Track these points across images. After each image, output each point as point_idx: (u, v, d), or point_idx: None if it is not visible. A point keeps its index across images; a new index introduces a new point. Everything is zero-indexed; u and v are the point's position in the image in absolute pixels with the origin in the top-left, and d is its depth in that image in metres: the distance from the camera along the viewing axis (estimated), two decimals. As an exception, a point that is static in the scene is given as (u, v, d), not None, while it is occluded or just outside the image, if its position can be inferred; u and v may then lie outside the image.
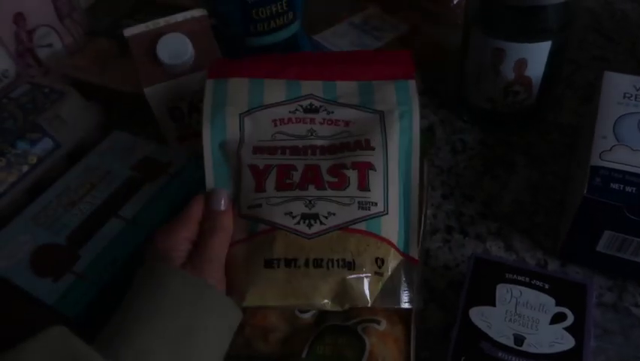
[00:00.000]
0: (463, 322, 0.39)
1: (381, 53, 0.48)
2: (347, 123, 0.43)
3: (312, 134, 0.42)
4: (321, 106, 0.43)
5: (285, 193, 0.39)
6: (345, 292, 0.37)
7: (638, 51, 0.66)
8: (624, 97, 0.46)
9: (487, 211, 0.52)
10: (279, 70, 0.45)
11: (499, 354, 0.37)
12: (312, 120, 0.43)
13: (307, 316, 0.40)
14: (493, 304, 0.39)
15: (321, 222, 0.38)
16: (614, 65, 0.64)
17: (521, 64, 0.51)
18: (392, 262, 0.39)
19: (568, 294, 0.40)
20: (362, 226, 0.38)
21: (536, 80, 0.53)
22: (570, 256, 0.47)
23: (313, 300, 0.37)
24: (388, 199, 0.40)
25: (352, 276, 0.37)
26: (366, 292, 0.37)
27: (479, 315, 0.39)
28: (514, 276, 0.41)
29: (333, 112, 0.43)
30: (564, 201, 0.51)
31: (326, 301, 0.37)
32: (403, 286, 0.39)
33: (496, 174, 0.55)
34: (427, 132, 0.59)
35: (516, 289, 0.40)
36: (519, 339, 0.37)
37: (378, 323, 0.39)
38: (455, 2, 0.64)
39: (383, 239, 0.39)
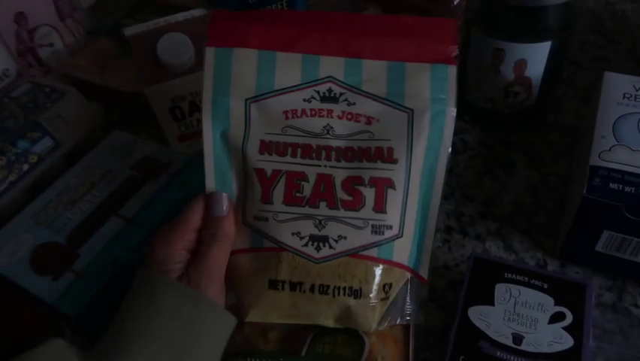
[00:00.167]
0: (461, 321, 0.39)
1: (420, 19, 0.38)
2: (369, 120, 0.37)
3: (327, 132, 0.37)
4: (341, 94, 0.37)
5: (294, 209, 0.36)
6: (349, 317, 0.36)
7: (638, 51, 0.66)
8: (624, 97, 0.46)
9: (487, 211, 0.52)
10: (295, 37, 0.37)
11: (498, 353, 0.37)
12: (330, 113, 0.37)
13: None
14: (492, 304, 0.39)
15: (331, 246, 0.36)
16: (614, 65, 0.64)
17: (521, 64, 0.51)
18: (400, 282, 0.38)
19: (567, 294, 0.40)
20: (373, 253, 0.36)
21: (536, 81, 0.53)
22: (570, 256, 0.47)
23: (316, 321, 0.37)
24: (405, 221, 0.37)
25: (358, 303, 0.36)
26: (371, 318, 0.37)
27: (478, 315, 0.39)
28: (513, 276, 0.41)
29: (354, 103, 0.37)
30: (564, 202, 0.51)
31: (329, 321, 0.37)
32: (408, 304, 0.38)
33: (497, 175, 0.55)
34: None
35: (515, 288, 0.40)
36: (518, 338, 0.37)
37: (378, 322, 0.38)
38: (455, 3, 0.64)
39: (394, 263, 0.37)
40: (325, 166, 0.36)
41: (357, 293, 0.36)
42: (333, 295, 0.36)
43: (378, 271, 0.36)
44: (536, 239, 0.49)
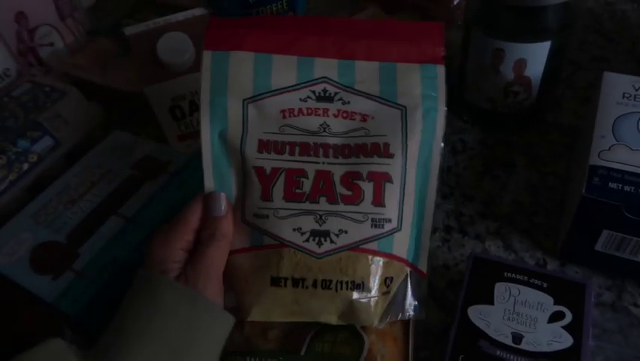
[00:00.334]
0: (461, 321, 0.39)
1: (409, 24, 0.40)
2: (364, 118, 0.38)
3: (324, 130, 0.38)
4: (336, 93, 0.38)
5: (294, 205, 0.36)
6: (352, 312, 0.37)
7: (638, 51, 0.66)
8: (623, 97, 0.46)
9: (486, 211, 0.52)
10: (291, 41, 0.38)
11: (498, 353, 0.37)
12: (326, 112, 0.38)
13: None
14: (492, 303, 0.39)
15: (332, 241, 0.36)
16: (613, 65, 0.64)
17: (521, 64, 0.51)
18: (400, 276, 0.38)
19: (566, 293, 0.40)
20: (374, 246, 0.36)
21: (536, 81, 0.53)
22: (569, 255, 0.47)
23: (319, 318, 0.37)
24: (403, 214, 0.37)
25: (361, 297, 0.36)
26: (373, 313, 0.37)
27: (478, 314, 0.39)
28: (513, 275, 0.41)
29: (349, 102, 0.38)
30: (563, 201, 0.51)
31: (332, 317, 0.37)
32: (409, 299, 0.38)
33: (496, 174, 0.55)
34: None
35: (514, 287, 0.40)
36: (517, 338, 0.37)
37: (377, 321, 0.38)
38: (455, 3, 0.64)
39: (394, 257, 0.37)
40: (323, 163, 0.37)
41: (359, 287, 0.36)
42: (336, 290, 0.36)
43: (379, 264, 0.37)
44: (536, 239, 0.49)
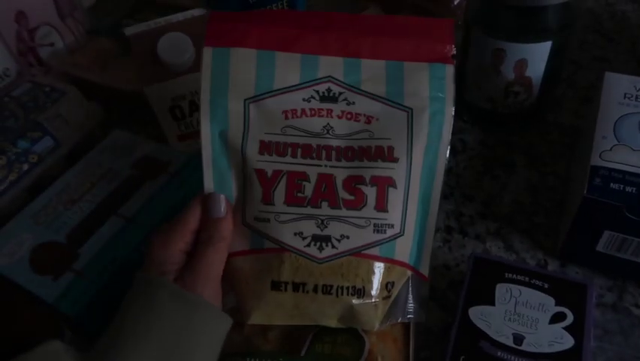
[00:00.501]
0: (462, 321, 0.39)
1: (417, 20, 0.39)
2: (369, 119, 0.37)
3: (327, 132, 0.37)
4: (340, 93, 0.37)
5: (296, 209, 0.36)
6: (352, 316, 0.36)
7: (639, 52, 0.66)
8: (624, 97, 0.46)
9: (487, 211, 0.52)
10: (294, 37, 0.37)
11: (499, 353, 0.37)
12: (329, 112, 0.37)
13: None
14: (493, 304, 0.39)
15: (333, 246, 0.36)
16: (614, 65, 0.64)
17: (522, 64, 0.51)
18: (402, 280, 0.38)
19: (568, 294, 0.39)
20: (375, 251, 0.36)
21: (537, 81, 0.53)
22: (570, 256, 0.47)
23: (319, 322, 0.37)
24: (406, 219, 0.37)
25: (361, 302, 0.36)
26: (374, 317, 0.37)
27: (479, 314, 0.39)
28: (514, 275, 0.41)
29: (354, 102, 0.37)
30: (564, 202, 0.51)
31: (332, 321, 0.37)
32: (409, 302, 0.38)
33: (496, 175, 0.55)
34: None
35: (515, 288, 0.40)
36: (518, 338, 0.37)
37: (378, 322, 0.38)
38: (455, 2, 0.64)
39: (396, 262, 0.37)
40: (326, 166, 0.36)
41: (360, 292, 0.36)
42: (337, 295, 0.36)
43: (380, 269, 0.36)
44: (536, 239, 0.49)
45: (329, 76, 0.37)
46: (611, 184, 0.41)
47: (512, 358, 0.37)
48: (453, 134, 0.60)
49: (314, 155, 0.36)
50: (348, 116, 0.37)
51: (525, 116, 0.57)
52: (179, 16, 0.53)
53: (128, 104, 0.59)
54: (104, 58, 0.65)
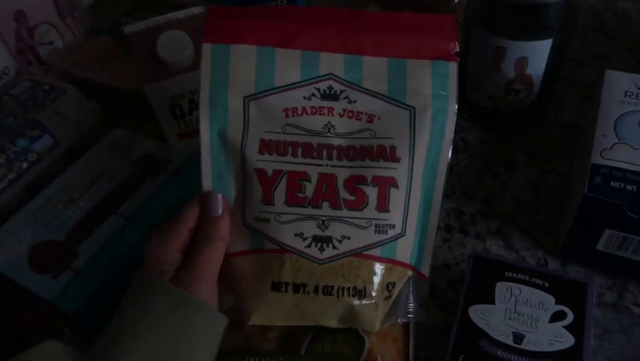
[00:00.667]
0: (462, 320, 0.39)
1: (420, 16, 0.38)
2: (370, 118, 0.36)
3: (328, 131, 0.36)
4: (342, 91, 0.36)
5: (296, 210, 0.35)
6: (353, 317, 0.36)
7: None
8: (625, 95, 0.46)
9: (487, 210, 0.51)
10: (295, 33, 0.36)
11: (499, 352, 0.37)
12: (330, 111, 0.36)
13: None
14: (493, 303, 0.39)
15: (334, 247, 0.35)
16: (615, 63, 0.64)
17: (522, 62, 0.51)
18: (402, 280, 0.38)
19: (568, 292, 0.39)
20: (377, 252, 0.36)
21: (537, 78, 0.53)
22: (571, 254, 0.47)
23: (320, 322, 0.37)
24: (407, 220, 0.37)
25: (362, 303, 0.36)
26: (375, 317, 0.36)
27: (479, 313, 0.39)
28: (514, 274, 0.41)
29: (355, 101, 0.36)
30: (565, 200, 0.51)
31: (332, 321, 0.37)
32: (410, 302, 0.38)
33: (497, 173, 0.55)
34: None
35: (516, 287, 0.40)
36: (518, 337, 0.37)
37: (378, 321, 0.38)
38: (456, 1, 0.64)
39: (397, 262, 0.37)
40: (327, 165, 0.36)
41: (361, 293, 0.36)
42: (338, 296, 0.35)
43: (381, 270, 0.36)
44: (537, 238, 0.49)
45: (330, 73, 0.37)
46: (612, 183, 0.40)
47: (512, 357, 0.36)
48: (454, 132, 0.59)
49: (315, 154, 0.36)
50: (350, 114, 0.37)
51: (526, 114, 0.57)
52: (179, 14, 0.53)
53: (128, 102, 0.59)
54: (103, 56, 0.65)
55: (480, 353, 0.37)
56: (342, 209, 0.36)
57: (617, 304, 0.44)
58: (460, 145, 0.57)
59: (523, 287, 0.40)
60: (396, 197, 0.36)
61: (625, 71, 0.48)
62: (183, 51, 0.51)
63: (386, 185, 0.36)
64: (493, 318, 0.38)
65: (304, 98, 0.36)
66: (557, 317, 0.38)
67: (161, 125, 0.55)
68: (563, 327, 0.38)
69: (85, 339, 0.41)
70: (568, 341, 0.37)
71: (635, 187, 0.40)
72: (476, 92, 0.56)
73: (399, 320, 0.38)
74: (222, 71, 0.36)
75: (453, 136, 0.37)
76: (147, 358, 0.31)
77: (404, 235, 0.37)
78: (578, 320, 0.38)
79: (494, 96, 0.55)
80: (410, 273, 0.38)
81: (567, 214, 0.47)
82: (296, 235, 0.35)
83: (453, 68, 0.37)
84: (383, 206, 0.36)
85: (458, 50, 0.37)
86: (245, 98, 0.36)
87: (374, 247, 0.36)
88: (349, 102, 0.36)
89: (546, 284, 0.40)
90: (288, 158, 0.36)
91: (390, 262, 0.36)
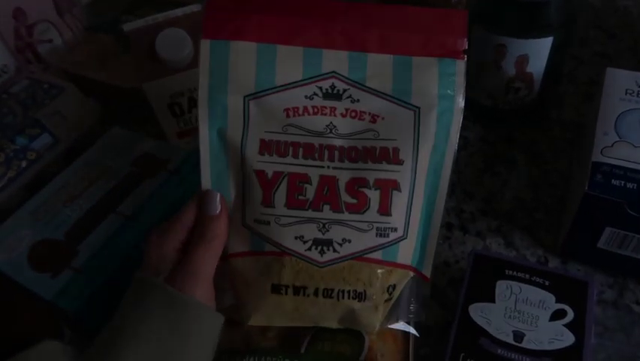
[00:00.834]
0: (462, 319, 0.38)
1: (427, 11, 0.36)
2: (374, 118, 0.35)
3: (330, 131, 0.35)
4: (345, 90, 0.35)
5: (297, 212, 0.35)
6: (353, 319, 0.36)
7: (641, 47, 0.66)
8: (626, 93, 0.46)
9: (487, 208, 0.51)
10: (296, 29, 0.35)
11: (499, 351, 0.37)
12: (333, 111, 0.35)
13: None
14: (493, 301, 0.39)
15: (335, 250, 0.35)
16: (616, 61, 0.64)
17: (523, 60, 0.51)
18: (403, 282, 0.37)
19: (568, 291, 0.39)
20: (378, 255, 0.35)
21: (538, 76, 0.52)
22: (571, 253, 0.47)
23: (320, 323, 0.36)
24: (409, 222, 0.36)
25: (362, 306, 0.35)
26: (375, 319, 0.36)
27: (479, 312, 0.39)
28: (514, 272, 0.40)
29: (358, 100, 0.35)
30: (565, 198, 0.51)
31: (332, 323, 0.36)
32: (410, 303, 0.38)
33: (497, 171, 0.55)
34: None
35: (516, 285, 0.40)
36: (518, 336, 0.37)
37: (378, 319, 0.38)
38: (456, -2, 0.63)
39: (398, 265, 0.36)
40: (328, 167, 0.35)
41: (361, 296, 0.35)
42: (338, 299, 0.35)
43: (382, 273, 0.36)
44: (537, 236, 0.49)
45: (333, 71, 0.35)
46: (613, 180, 0.40)
47: (512, 355, 0.36)
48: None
49: (316, 155, 0.35)
50: (353, 114, 0.35)
51: (526, 112, 0.56)
52: (178, 12, 0.53)
53: (127, 100, 0.59)
54: (102, 54, 0.65)
55: (480, 351, 0.37)
56: (343, 212, 0.35)
57: (618, 303, 0.44)
58: (460, 143, 0.57)
59: (524, 285, 0.40)
60: (399, 200, 0.35)
61: (626, 69, 0.48)
62: (182, 49, 0.51)
63: (388, 188, 0.35)
64: (494, 316, 0.38)
65: (306, 97, 0.35)
66: (558, 315, 0.38)
67: (161, 123, 0.54)
68: (564, 325, 0.38)
69: (85, 338, 0.41)
70: (568, 339, 0.37)
71: (635, 185, 0.40)
72: (476, 90, 0.56)
73: (399, 321, 0.37)
74: (221, 69, 0.35)
75: (458, 137, 0.36)
76: (147, 358, 0.31)
77: (406, 238, 0.36)
78: (579, 318, 0.38)
79: (494, 94, 0.55)
80: (411, 274, 0.38)
81: (567, 212, 0.47)
82: (296, 237, 0.35)
83: (460, 66, 0.35)
84: (385, 209, 0.35)
85: (467, 46, 0.36)
86: (245, 97, 0.35)
87: (375, 251, 0.35)
88: (352, 102, 0.35)
89: (546, 282, 0.40)
90: (289, 159, 0.35)
91: (391, 264, 0.36)
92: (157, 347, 0.32)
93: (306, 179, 0.35)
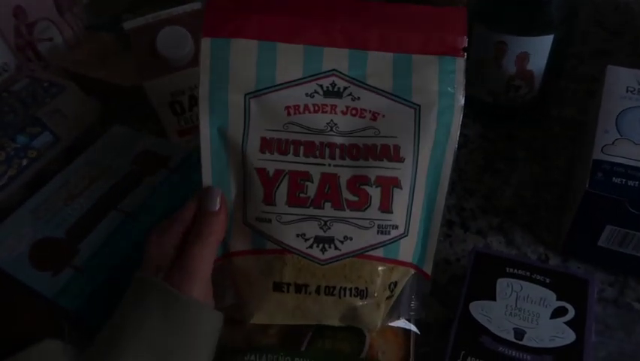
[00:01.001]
0: (463, 316, 0.39)
1: (427, 9, 0.36)
2: (374, 116, 0.35)
3: (331, 129, 0.35)
4: (345, 88, 0.35)
5: (298, 210, 0.35)
6: (354, 316, 0.36)
7: (642, 45, 0.66)
8: (627, 91, 0.46)
9: (488, 206, 0.51)
10: (297, 27, 0.35)
11: (500, 348, 0.37)
12: (333, 109, 0.35)
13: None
14: (494, 299, 0.39)
15: (336, 247, 0.35)
16: (617, 59, 0.64)
17: (523, 57, 0.51)
18: (404, 279, 0.37)
19: (569, 288, 0.39)
20: (379, 253, 0.35)
21: (538, 74, 0.52)
22: (572, 251, 0.47)
23: (321, 321, 0.36)
24: (410, 220, 0.36)
25: (364, 303, 0.35)
26: (376, 317, 0.36)
27: (479, 309, 0.39)
28: (515, 270, 0.40)
29: (359, 98, 0.35)
30: (566, 196, 0.51)
31: (334, 321, 0.36)
32: (411, 301, 0.38)
33: (498, 169, 0.55)
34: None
35: (517, 283, 0.40)
36: (519, 333, 0.37)
37: (378, 317, 0.38)
38: (457, -4, 0.63)
39: (399, 262, 0.36)
40: (329, 165, 0.35)
41: (363, 294, 0.35)
42: (339, 296, 0.35)
43: (383, 270, 0.36)
44: (538, 234, 0.49)
45: (333, 69, 0.36)
46: (613, 178, 0.40)
47: (513, 353, 0.36)
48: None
49: (317, 153, 0.35)
50: (353, 112, 0.36)
51: (526, 110, 0.56)
52: (179, 10, 0.53)
53: (128, 99, 0.59)
54: (103, 53, 0.65)
55: (481, 349, 0.37)
56: (344, 210, 0.35)
57: (618, 301, 0.44)
58: (460, 141, 0.57)
59: (524, 283, 0.40)
60: (400, 198, 0.35)
61: (627, 67, 0.48)
62: (183, 47, 0.51)
63: (389, 185, 0.35)
64: (494, 314, 0.38)
65: (306, 95, 0.35)
66: (558, 312, 0.38)
67: (161, 121, 0.54)
68: (564, 323, 0.38)
69: (85, 337, 0.41)
70: (569, 336, 0.37)
71: (636, 183, 0.40)
72: (477, 88, 0.56)
73: (400, 318, 0.38)
74: (222, 67, 0.35)
75: (459, 134, 0.36)
76: (148, 357, 0.31)
77: (407, 235, 0.36)
78: (579, 315, 0.38)
79: (495, 92, 0.55)
80: (412, 272, 0.38)
81: (568, 210, 0.47)
82: (298, 235, 0.35)
83: (460, 63, 0.36)
84: (386, 207, 0.35)
85: (466, 44, 0.36)
86: (245, 95, 0.35)
87: (376, 248, 0.35)
88: (353, 99, 0.36)
89: (547, 280, 0.40)
90: (290, 157, 0.35)
91: (392, 262, 0.36)
92: (157, 346, 0.32)
93: (307, 177, 0.35)
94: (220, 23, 0.35)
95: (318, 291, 0.35)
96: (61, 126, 0.55)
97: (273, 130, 0.35)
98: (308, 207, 0.35)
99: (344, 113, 0.36)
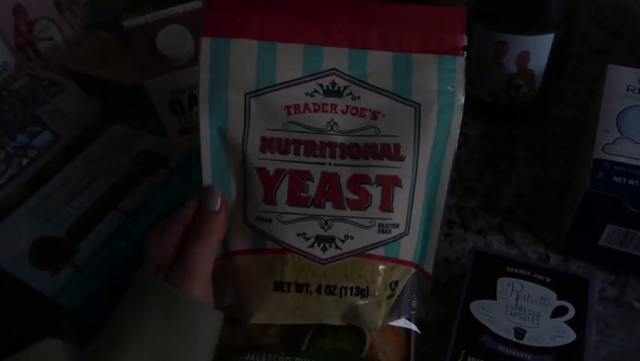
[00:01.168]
0: (463, 316, 0.39)
1: (427, 9, 0.37)
2: (375, 115, 0.36)
3: (331, 128, 0.36)
4: (345, 87, 0.36)
5: (299, 209, 0.35)
6: (355, 315, 0.36)
7: (642, 44, 0.66)
8: (627, 90, 0.46)
9: (488, 205, 0.51)
10: (297, 27, 0.35)
11: (500, 348, 0.37)
12: (334, 108, 0.35)
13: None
14: (494, 298, 0.39)
15: (337, 247, 0.35)
16: (617, 58, 0.64)
17: (524, 57, 0.51)
18: (405, 278, 0.37)
19: (569, 288, 0.39)
20: (380, 252, 0.35)
21: (539, 73, 0.52)
22: (572, 250, 0.47)
23: (322, 321, 0.36)
24: (411, 218, 0.36)
25: (365, 302, 0.35)
26: (377, 316, 0.36)
27: (480, 309, 0.39)
28: (516, 270, 0.40)
29: (359, 97, 0.35)
30: (566, 195, 0.51)
31: (335, 320, 0.36)
32: (412, 300, 0.38)
33: (498, 168, 0.55)
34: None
35: (517, 282, 0.40)
36: (520, 333, 0.37)
37: (379, 316, 0.38)
38: (457, -5, 0.63)
39: (400, 261, 0.36)
40: (330, 164, 0.35)
41: (364, 293, 0.35)
42: (340, 296, 0.35)
43: (384, 269, 0.36)
44: (538, 233, 0.49)
45: (333, 68, 0.36)
46: (614, 177, 0.40)
47: (514, 352, 0.36)
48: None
49: (317, 152, 0.35)
50: (353, 111, 0.36)
51: (527, 109, 0.56)
52: (179, 9, 0.53)
53: (128, 98, 0.59)
54: (103, 51, 0.65)
55: (481, 348, 0.37)
56: (345, 209, 0.35)
57: (619, 300, 0.44)
58: (460, 140, 0.57)
59: (525, 283, 0.40)
60: (400, 196, 0.35)
61: (627, 66, 0.48)
62: (183, 46, 0.51)
63: (390, 184, 0.35)
64: (495, 313, 0.38)
65: (306, 94, 0.35)
66: (559, 312, 0.38)
67: (161, 120, 0.54)
68: (565, 322, 0.38)
69: (85, 336, 0.41)
70: (569, 336, 0.37)
71: (637, 182, 0.40)
72: (477, 87, 0.56)
73: (401, 318, 0.38)
74: (222, 67, 0.35)
75: (459, 133, 0.36)
76: (148, 357, 0.31)
77: (408, 234, 0.36)
78: (580, 315, 0.38)
79: (495, 91, 0.55)
80: (413, 271, 0.38)
81: (569, 210, 0.47)
82: (298, 234, 0.35)
83: (460, 62, 0.36)
84: (387, 205, 0.35)
85: (466, 43, 0.36)
86: (246, 94, 0.35)
87: (377, 247, 0.35)
88: (353, 99, 0.36)
89: (547, 280, 0.40)
90: (290, 156, 0.35)
91: (393, 261, 0.36)
92: (157, 345, 0.32)
93: (307, 176, 0.35)
94: (220, 23, 0.35)
95: (318, 290, 0.35)
96: (61, 125, 0.55)
97: (273, 129, 0.36)
98: (308, 207, 0.35)
99: (344, 112, 0.36)
